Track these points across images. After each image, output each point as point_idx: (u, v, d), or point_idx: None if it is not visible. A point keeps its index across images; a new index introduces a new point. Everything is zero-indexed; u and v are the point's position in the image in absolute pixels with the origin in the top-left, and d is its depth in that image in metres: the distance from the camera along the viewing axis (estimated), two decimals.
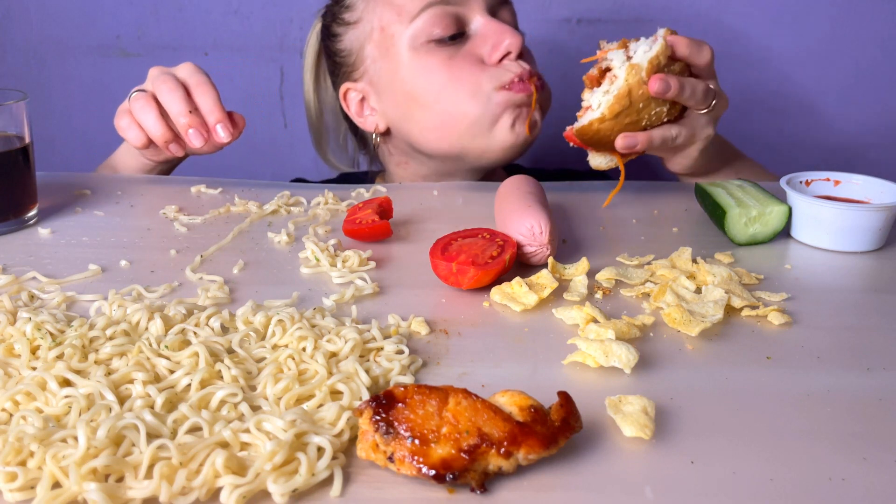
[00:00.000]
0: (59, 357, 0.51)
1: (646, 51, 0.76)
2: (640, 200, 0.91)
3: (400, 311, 0.62)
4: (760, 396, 0.51)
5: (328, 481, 0.42)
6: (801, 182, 0.82)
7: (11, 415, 0.46)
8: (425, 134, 0.97)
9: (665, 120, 0.81)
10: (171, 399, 0.47)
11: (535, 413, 0.43)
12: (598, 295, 0.66)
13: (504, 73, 0.92)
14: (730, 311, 0.63)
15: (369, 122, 1.03)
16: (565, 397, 0.45)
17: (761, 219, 0.76)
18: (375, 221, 0.75)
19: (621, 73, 0.76)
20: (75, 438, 0.42)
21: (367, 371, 0.50)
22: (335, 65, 1.04)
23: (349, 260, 0.71)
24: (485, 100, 0.92)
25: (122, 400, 0.47)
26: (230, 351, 0.53)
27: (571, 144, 0.82)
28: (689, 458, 0.45)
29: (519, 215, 0.69)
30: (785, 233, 0.79)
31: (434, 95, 0.94)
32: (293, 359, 0.52)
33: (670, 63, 0.78)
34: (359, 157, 1.18)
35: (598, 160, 0.85)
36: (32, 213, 0.80)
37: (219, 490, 0.41)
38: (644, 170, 1.42)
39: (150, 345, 0.52)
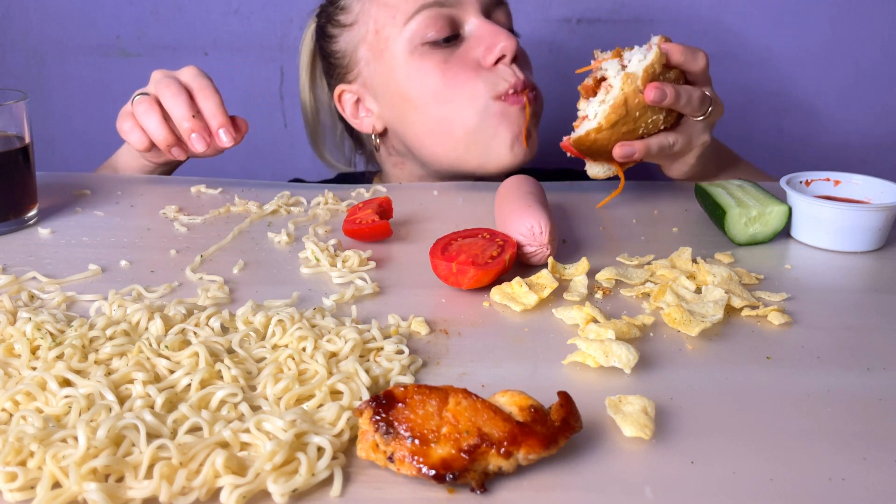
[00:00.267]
0: (59, 357, 0.51)
1: (640, 59, 0.76)
2: (640, 200, 0.91)
3: (400, 311, 0.62)
4: (760, 396, 0.51)
5: (328, 481, 0.42)
6: (801, 182, 0.82)
7: (11, 415, 0.46)
8: (421, 137, 0.97)
9: (661, 128, 0.81)
10: (171, 399, 0.47)
11: (535, 413, 0.43)
12: (598, 295, 0.66)
13: (499, 80, 0.92)
14: (730, 311, 0.63)
15: (365, 123, 1.03)
16: (565, 397, 0.45)
17: (761, 219, 0.76)
18: (375, 221, 0.75)
19: (616, 83, 0.76)
20: (75, 438, 0.42)
21: (367, 371, 0.50)
22: (330, 66, 1.04)
23: (349, 260, 0.71)
24: (482, 108, 0.92)
25: (122, 400, 0.47)
26: (230, 351, 0.53)
27: (569, 155, 0.83)
28: (689, 458, 0.45)
29: (519, 215, 0.69)
30: (785, 233, 0.79)
31: (429, 99, 0.94)
32: (293, 359, 0.52)
33: (665, 71, 0.77)
34: (355, 157, 1.18)
35: (595, 169, 0.85)
36: (32, 213, 0.80)
37: (219, 490, 0.41)
38: (643, 171, 1.42)
39: (150, 345, 0.52)
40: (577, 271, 0.68)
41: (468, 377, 0.53)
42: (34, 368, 0.50)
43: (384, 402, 0.43)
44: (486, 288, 0.66)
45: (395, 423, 0.42)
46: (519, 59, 0.95)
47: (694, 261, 0.70)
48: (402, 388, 0.44)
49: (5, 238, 0.76)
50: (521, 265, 0.71)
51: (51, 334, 0.53)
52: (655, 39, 0.79)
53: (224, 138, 0.85)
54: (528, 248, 0.69)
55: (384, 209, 0.79)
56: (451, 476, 0.40)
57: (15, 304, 0.60)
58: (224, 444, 0.43)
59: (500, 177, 0.92)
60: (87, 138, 1.56)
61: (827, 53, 1.44)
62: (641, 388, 0.52)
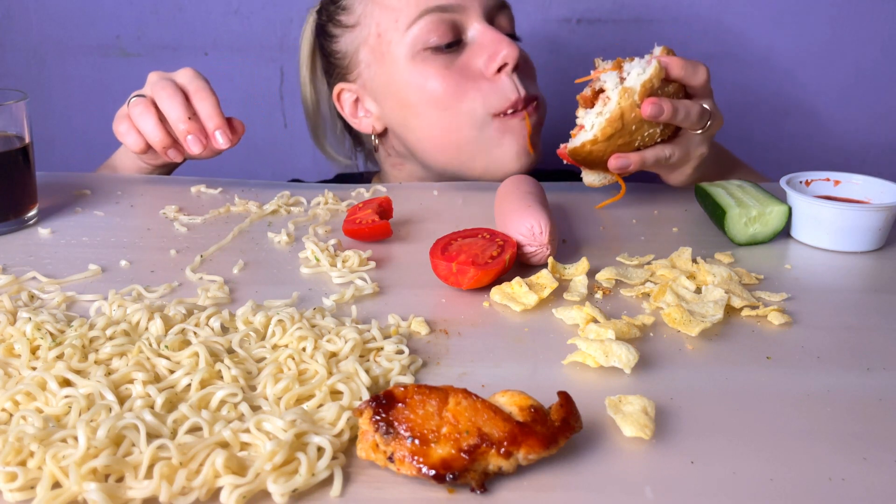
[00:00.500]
0: (59, 357, 0.51)
1: (639, 73, 0.76)
2: (640, 200, 0.91)
3: (400, 311, 0.62)
4: (760, 396, 0.51)
5: (328, 481, 0.42)
6: (801, 182, 0.82)
7: (11, 415, 0.46)
8: (423, 142, 0.97)
9: (658, 140, 0.81)
10: (171, 399, 0.47)
11: (535, 413, 0.43)
12: (598, 295, 0.66)
13: (499, 96, 0.92)
14: (730, 311, 0.63)
15: (364, 123, 1.03)
16: (565, 397, 0.45)
17: (761, 219, 0.76)
18: (375, 221, 0.75)
19: (614, 96, 0.76)
20: (75, 438, 0.42)
21: (367, 371, 0.50)
22: (330, 65, 1.04)
23: (349, 260, 0.71)
24: (480, 125, 0.93)
25: (122, 400, 0.47)
26: (230, 351, 0.53)
27: (565, 162, 0.83)
28: (689, 458, 0.45)
29: (519, 215, 0.69)
30: (785, 233, 0.79)
31: (429, 105, 0.94)
32: (293, 359, 0.52)
33: (665, 84, 0.77)
34: (356, 151, 1.18)
35: (591, 178, 0.86)
36: (32, 213, 0.80)
37: (219, 490, 0.41)
38: (643, 174, 1.42)
39: (150, 345, 0.52)
40: (577, 271, 0.68)
41: (468, 377, 0.53)
42: (34, 368, 0.50)
43: (384, 402, 0.43)
44: (486, 288, 0.65)
45: (395, 423, 0.42)
46: (521, 67, 0.95)
47: (694, 261, 0.70)
48: (402, 388, 0.44)
49: (5, 238, 0.76)
50: (521, 265, 0.71)
51: (51, 334, 0.53)
52: (658, 51, 0.78)
53: (220, 140, 0.85)
54: (528, 248, 0.69)
55: (384, 209, 0.79)
56: (451, 476, 0.40)
57: (15, 304, 0.60)
58: (224, 444, 0.43)
59: (502, 180, 0.92)
60: (87, 138, 1.56)
61: (827, 53, 1.44)
62: (641, 388, 0.52)
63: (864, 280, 0.71)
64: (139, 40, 1.51)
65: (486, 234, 0.69)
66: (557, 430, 0.43)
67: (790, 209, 0.78)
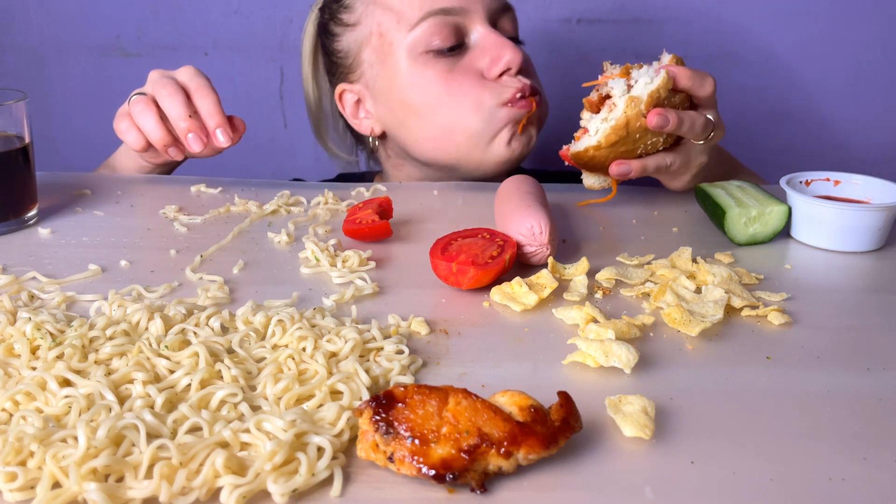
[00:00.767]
0: (59, 357, 0.51)
1: (647, 83, 0.76)
2: (640, 201, 0.91)
3: (400, 311, 0.62)
4: (760, 396, 0.51)
5: (328, 481, 0.42)
6: (801, 182, 0.82)
7: (11, 415, 0.46)
8: (421, 143, 0.97)
9: (661, 148, 0.81)
10: (171, 399, 0.47)
11: (535, 413, 0.43)
12: (598, 295, 0.66)
13: (504, 89, 0.92)
14: (730, 311, 0.63)
15: (364, 124, 1.03)
16: (565, 397, 0.45)
17: (761, 219, 0.76)
18: (375, 221, 0.75)
19: (620, 104, 0.76)
20: (75, 438, 0.42)
21: (367, 371, 0.50)
22: (332, 63, 1.03)
23: (349, 260, 0.71)
24: (487, 115, 0.92)
25: (122, 400, 0.47)
26: (230, 351, 0.53)
27: (566, 163, 0.83)
28: (689, 458, 0.45)
29: (519, 215, 0.69)
30: (785, 233, 0.79)
31: (431, 107, 0.94)
32: (293, 359, 0.52)
33: (672, 94, 0.77)
34: (357, 148, 1.18)
35: (591, 180, 0.86)
36: (32, 213, 0.80)
37: (219, 490, 0.41)
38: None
39: (150, 345, 0.52)
40: (577, 271, 0.68)
41: (468, 377, 0.53)
42: (34, 368, 0.50)
43: (384, 402, 0.43)
44: (486, 288, 0.65)
45: (395, 423, 0.42)
46: (523, 71, 0.95)
47: (694, 261, 0.70)
48: (402, 388, 0.44)
49: (5, 238, 0.76)
50: (521, 265, 0.71)
51: (51, 334, 0.53)
52: (666, 59, 0.79)
53: (221, 138, 0.84)
54: (528, 248, 0.69)
55: (384, 209, 0.79)
56: (451, 476, 0.40)
57: (15, 304, 0.60)
58: (224, 444, 0.43)
59: (500, 177, 0.92)
60: (87, 138, 1.56)
61: (827, 53, 1.44)
62: (641, 388, 0.52)
63: (864, 280, 0.71)
64: (139, 40, 1.51)
65: (486, 234, 0.69)
66: (557, 430, 0.43)
67: (790, 209, 0.78)
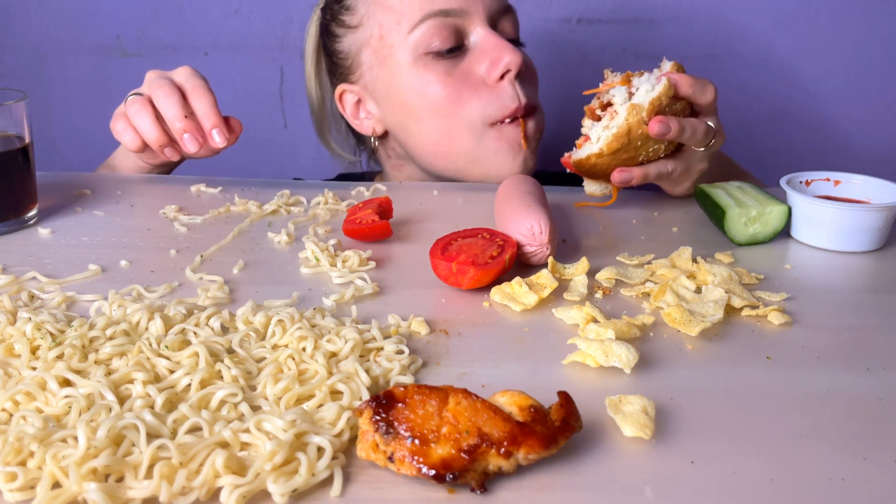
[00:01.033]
0: (59, 357, 0.51)
1: (648, 90, 0.76)
2: (640, 201, 0.91)
3: (400, 311, 0.62)
4: (760, 396, 0.51)
5: (328, 481, 0.42)
6: (801, 182, 0.82)
7: (11, 415, 0.46)
8: (422, 147, 0.97)
9: (662, 155, 0.81)
10: (171, 399, 0.47)
11: (535, 413, 0.43)
12: (598, 295, 0.66)
13: (499, 105, 0.92)
14: (730, 310, 0.63)
15: (365, 125, 1.03)
16: (565, 397, 0.45)
17: (761, 219, 0.76)
18: (375, 221, 0.75)
19: (622, 112, 0.76)
20: (75, 438, 0.42)
21: (367, 371, 0.50)
22: (333, 64, 1.03)
23: (349, 260, 0.71)
24: (477, 133, 0.93)
25: (122, 400, 0.47)
26: (230, 351, 0.53)
27: (568, 171, 0.84)
28: (689, 458, 0.45)
29: (519, 215, 0.69)
30: (785, 233, 0.79)
31: (430, 111, 0.94)
32: (293, 359, 0.52)
33: (673, 102, 0.78)
34: (359, 148, 1.18)
35: (592, 187, 0.87)
36: (32, 213, 0.80)
37: (219, 490, 0.41)
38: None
39: (150, 345, 0.52)
40: (577, 271, 0.68)
41: (468, 377, 0.53)
42: (34, 368, 0.50)
43: (384, 402, 0.43)
44: (486, 288, 0.65)
45: (395, 423, 0.42)
46: (523, 73, 0.94)
47: (694, 260, 0.70)
48: (402, 388, 0.44)
49: (5, 238, 0.76)
50: (521, 265, 0.71)
51: (51, 334, 0.53)
52: (668, 66, 0.79)
53: (217, 139, 0.84)
54: (528, 247, 0.69)
55: (384, 209, 0.79)
56: (451, 476, 0.40)
57: (15, 304, 0.60)
58: (224, 444, 0.43)
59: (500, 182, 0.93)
60: (87, 138, 1.56)
61: (827, 53, 1.44)
62: (641, 388, 0.52)
63: (864, 280, 0.71)
64: (139, 40, 1.51)
65: (486, 234, 0.69)
66: (557, 430, 0.43)
67: (790, 209, 0.78)
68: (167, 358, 0.51)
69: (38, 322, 0.53)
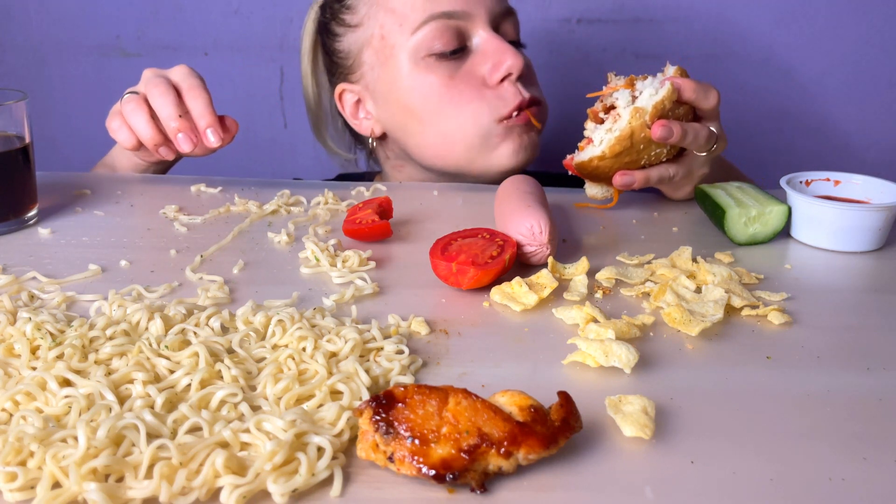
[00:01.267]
0: (59, 357, 0.51)
1: (651, 94, 0.76)
2: (640, 201, 0.91)
3: (400, 311, 0.62)
4: (760, 396, 0.51)
5: (328, 481, 0.42)
6: (801, 182, 0.82)
7: (11, 415, 0.46)
8: (422, 149, 0.97)
9: (664, 160, 0.81)
10: (171, 399, 0.47)
11: (535, 413, 0.43)
12: (598, 295, 0.66)
13: (503, 103, 0.92)
14: (730, 310, 0.63)
15: (364, 125, 1.03)
16: (565, 397, 0.45)
17: (761, 218, 0.76)
18: (375, 221, 0.75)
19: (625, 115, 0.76)
20: (75, 438, 0.42)
21: (367, 371, 0.50)
22: (332, 63, 1.03)
23: (349, 260, 0.71)
24: (484, 131, 0.93)
25: (122, 400, 0.47)
26: (230, 351, 0.53)
27: (570, 173, 0.84)
28: (689, 458, 0.45)
29: (519, 215, 0.69)
30: (785, 233, 0.79)
31: (432, 113, 0.94)
32: (293, 359, 0.52)
33: (676, 106, 0.78)
34: (357, 147, 1.17)
35: (594, 190, 0.87)
36: (32, 213, 0.80)
37: (219, 490, 0.41)
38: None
39: (150, 345, 0.52)
40: (577, 271, 0.68)
41: (468, 377, 0.53)
42: (34, 368, 0.50)
43: (384, 402, 0.43)
44: (486, 288, 0.65)
45: (395, 423, 0.42)
46: (525, 75, 0.95)
47: (694, 260, 0.70)
48: (402, 388, 0.44)
49: (5, 238, 0.76)
50: (521, 265, 0.71)
51: (51, 334, 0.53)
52: (671, 71, 0.79)
53: (212, 139, 0.84)
54: (528, 247, 0.69)
55: (384, 209, 0.79)
56: (451, 476, 0.40)
57: (15, 304, 0.60)
58: (224, 444, 0.43)
59: (500, 178, 0.92)
60: (87, 138, 1.56)
61: (827, 53, 1.44)
62: (641, 388, 0.52)
63: (864, 280, 0.71)
64: (139, 40, 1.51)
65: (486, 234, 0.69)
66: (557, 430, 0.43)
67: (790, 209, 0.78)
68: (167, 358, 0.51)
69: (38, 322, 0.53)
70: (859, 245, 0.76)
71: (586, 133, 0.81)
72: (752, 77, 1.46)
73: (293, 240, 0.77)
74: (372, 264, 0.71)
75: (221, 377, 0.50)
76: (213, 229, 0.80)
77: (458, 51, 0.93)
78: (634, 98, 0.77)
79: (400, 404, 0.43)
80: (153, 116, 0.84)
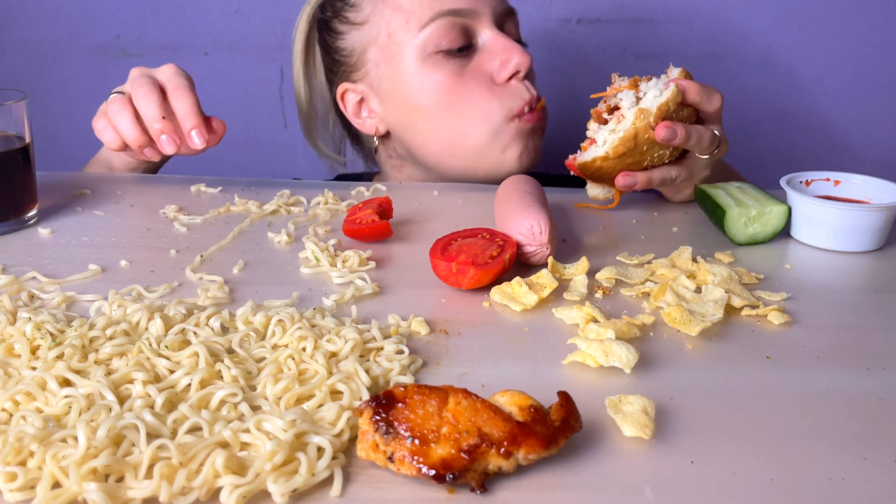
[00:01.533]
0: (59, 357, 0.51)
1: (656, 95, 0.76)
2: (640, 201, 0.91)
3: (400, 311, 0.62)
4: (760, 396, 0.51)
5: (328, 481, 0.42)
6: (801, 182, 0.82)
7: (11, 415, 0.46)
8: (429, 146, 0.97)
9: (666, 161, 0.81)
10: (171, 399, 0.47)
11: (535, 413, 0.43)
12: (598, 294, 0.66)
13: (513, 99, 0.93)
14: (730, 310, 0.63)
15: (367, 124, 1.03)
16: (565, 397, 0.45)
17: (761, 218, 0.76)
18: (375, 221, 0.75)
19: (629, 116, 0.76)
20: (75, 438, 0.42)
21: (367, 371, 0.50)
22: (333, 62, 1.03)
23: (349, 260, 0.71)
24: (495, 129, 0.93)
25: (122, 400, 0.47)
26: (230, 351, 0.53)
27: (572, 173, 0.84)
28: (689, 458, 0.45)
29: (519, 215, 0.69)
30: (785, 233, 0.79)
31: (441, 111, 0.94)
32: (293, 359, 0.52)
33: (680, 108, 0.78)
34: (344, 144, 1.16)
35: (596, 191, 0.87)
36: (32, 213, 0.80)
37: (219, 490, 0.41)
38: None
39: (150, 345, 0.52)
40: (577, 271, 0.68)
41: (468, 377, 0.53)
42: (34, 368, 0.50)
43: (384, 402, 0.43)
44: (486, 288, 0.65)
45: (395, 423, 0.42)
46: (529, 74, 0.95)
47: (694, 260, 0.70)
48: (402, 388, 0.44)
49: (5, 238, 0.76)
50: (521, 265, 0.71)
51: (51, 334, 0.53)
52: (675, 73, 0.79)
53: (196, 140, 0.82)
54: (528, 247, 0.69)
55: (384, 209, 0.79)
56: (451, 476, 0.40)
57: (15, 304, 0.60)
58: (224, 444, 0.43)
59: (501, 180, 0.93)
60: (87, 138, 1.55)
61: (827, 53, 1.44)
62: (641, 387, 0.52)
63: (864, 280, 0.71)
64: (139, 40, 1.51)
65: (486, 234, 0.69)
66: (557, 430, 0.43)
67: (790, 209, 0.78)
68: (167, 358, 0.51)
69: (38, 322, 0.53)
70: (859, 245, 0.76)
71: (589, 133, 0.81)
72: (752, 77, 1.46)
73: (293, 240, 0.77)
74: (372, 264, 0.71)
75: (221, 377, 0.50)
76: (213, 229, 0.80)
77: (465, 48, 0.93)
78: (638, 99, 0.77)
79: (400, 404, 0.43)
80: (138, 117, 0.83)
